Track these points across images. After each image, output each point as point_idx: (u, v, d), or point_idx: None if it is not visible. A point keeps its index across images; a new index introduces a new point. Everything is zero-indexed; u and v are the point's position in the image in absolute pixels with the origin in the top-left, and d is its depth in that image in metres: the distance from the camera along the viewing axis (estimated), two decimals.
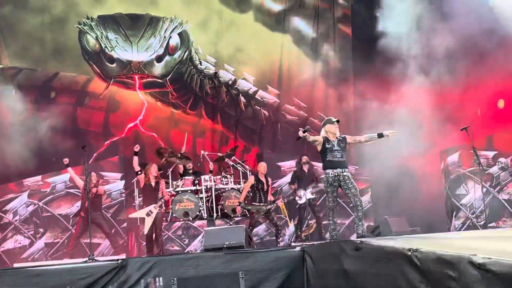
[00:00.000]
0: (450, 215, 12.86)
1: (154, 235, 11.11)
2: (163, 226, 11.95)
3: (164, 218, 11.73)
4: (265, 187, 11.78)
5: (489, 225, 11.85)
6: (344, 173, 9.17)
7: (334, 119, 9.45)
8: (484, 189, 11.76)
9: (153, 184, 11.25)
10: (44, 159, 13.18)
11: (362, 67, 14.80)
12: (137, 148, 11.55)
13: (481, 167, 11.00)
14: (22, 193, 12.98)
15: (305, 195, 12.68)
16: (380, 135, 9.35)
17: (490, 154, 12.69)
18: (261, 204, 11.52)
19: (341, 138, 9.34)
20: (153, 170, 11.33)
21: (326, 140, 9.29)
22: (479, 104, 13.18)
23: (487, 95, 13.00)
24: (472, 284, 5.19)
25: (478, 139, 12.09)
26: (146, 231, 11.07)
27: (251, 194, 11.82)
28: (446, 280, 5.56)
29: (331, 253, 7.73)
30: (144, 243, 11.63)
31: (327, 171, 9.19)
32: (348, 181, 9.11)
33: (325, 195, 12.70)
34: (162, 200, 11.18)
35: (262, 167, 12.00)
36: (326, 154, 9.25)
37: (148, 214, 11.02)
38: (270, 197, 11.86)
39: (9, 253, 12.67)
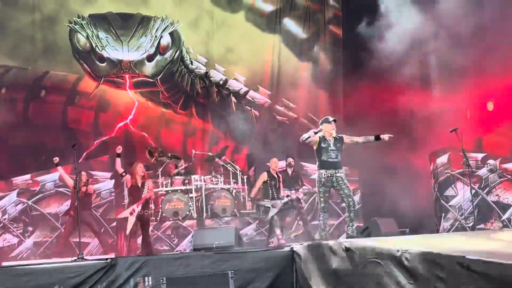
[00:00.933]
0: (439, 216, 12.91)
1: (141, 236, 11.01)
2: (152, 226, 11.94)
3: (154, 218, 11.67)
4: (278, 183, 11.86)
5: (477, 226, 11.90)
6: (338, 174, 9.22)
7: (331, 118, 9.50)
8: (473, 191, 11.82)
9: (139, 184, 11.04)
10: (34, 158, 13.14)
11: (353, 68, 14.85)
12: (119, 149, 11.26)
13: (470, 169, 11.05)
14: (11, 192, 12.92)
15: (288, 196, 12.69)
16: (377, 138, 9.43)
17: (479, 156, 12.76)
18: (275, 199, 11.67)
19: (337, 137, 9.38)
20: (139, 169, 11.12)
21: (323, 139, 9.34)
22: (468, 106, 13.22)
23: (477, 98, 13.06)
24: (460, 285, 5.24)
25: (467, 141, 12.14)
26: (128, 230, 10.91)
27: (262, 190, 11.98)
28: (434, 281, 5.61)
29: (320, 253, 7.75)
30: (135, 242, 11.61)
31: (321, 171, 9.24)
32: (341, 182, 9.16)
33: (313, 196, 12.81)
34: (144, 199, 10.88)
35: (274, 163, 12.05)
36: (321, 154, 9.31)
37: (131, 213, 10.87)
38: (284, 193, 11.91)
39: None
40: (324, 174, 9.20)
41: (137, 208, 10.86)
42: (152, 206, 11.74)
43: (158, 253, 11.39)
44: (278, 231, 11.78)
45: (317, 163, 9.41)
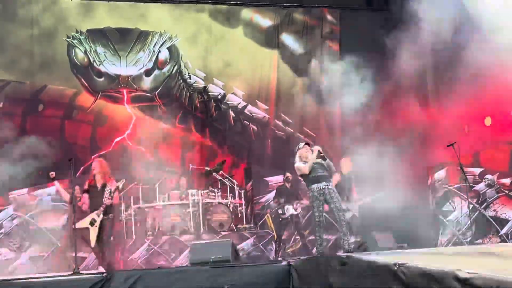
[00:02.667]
0: (436, 231, 12.89)
1: (101, 245, 10.13)
2: (148, 241, 11.90)
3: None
4: (351, 185, 12.01)
5: (475, 241, 11.88)
6: (330, 187, 9.33)
7: (301, 145, 9.91)
8: (471, 206, 11.80)
9: (99, 186, 10.19)
10: (31, 172, 13.12)
11: (349, 83, 14.85)
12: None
13: (467, 184, 11.05)
14: (8, 206, 12.90)
15: (287, 210, 12.71)
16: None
17: (477, 171, 12.75)
18: None
19: (319, 150, 9.55)
20: (98, 167, 10.30)
21: (305, 162, 9.56)
22: (466, 121, 13.23)
23: (474, 112, 13.06)
24: None
25: (465, 155, 12.15)
26: (92, 244, 10.03)
27: None
28: None
29: (317, 267, 7.73)
30: (130, 257, 11.56)
31: (312, 186, 9.34)
32: (333, 195, 9.27)
33: (311, 211, 12.81)
34: (103, 206, 9.99)
35: (347, 163, 12.21)
36: (307, 173, 9.51)
37: (91, 223, 10.01)
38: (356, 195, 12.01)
39: None
40: (317, 188, 9.32)
41: (97, 217, 10.05)
42: (122, 210, 11.19)
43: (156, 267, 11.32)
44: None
45: (306, 183, 9.61)
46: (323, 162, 9.64)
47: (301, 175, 9.73)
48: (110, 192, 10.06)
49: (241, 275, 8.14)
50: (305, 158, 9.62)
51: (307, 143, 9.92)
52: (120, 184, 10.32)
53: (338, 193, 11.11)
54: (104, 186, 10.19)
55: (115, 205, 10.49)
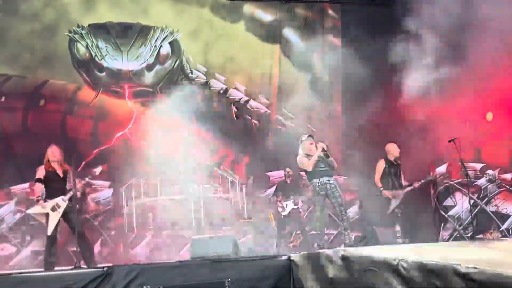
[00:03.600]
0: (437, 226, 12.88)
1: (77, 238, 9.61)
2: (150, 235, 11.91)
3: (87, 215, 10.88)
4: (398, 171, 11.59)
5: (476, 237, 11.87)
6: (331, 181, 9.34)
7: (304, 137, 9.88)
8: (472, 201, 11.79)
9: (59, 172, 9.82)
10: (33, 167, 13.12)
11: (352, 78, 14.84)
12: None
13: (468, 179, 11.04)
14: (10, 201, 12.92)
15: (287, 206, 12.70)
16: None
17: (478, 166, 12.74)
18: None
19: (323, 146, 9.53)
20: (52, 154, 9.92)
21: (307, 156, 9.43)
22: (467, 117, 13.21)
23: (476, 108, 13.05)
24: None
25: (466, 151, 12.15)
26: (49, 232, 9.57)
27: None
28: None
29: (318, 262, 7.73)
30: (132, 250, 11.57)
31: (313, 181, 9.36)
32: (334, 190, 9.31)
33: (312, 205, 12.77)
34: (71, 192, 9.58)
35: (393, 148, 11.70)
36: (314, 166, 9.39)
37: (53, 209, 9.61)
38: (404, 182, 11.57)
39: None
40: (318, 183, 9.34)
41: (63, 202, 9.64)
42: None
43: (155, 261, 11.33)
44: (397, 227, 11.42)
45: (308, 177, 9.60)
46: (324, 156, 9.66)
47: (303, 170, 9.72)
48: (74, 180, 9.66)
49: (242, 270, 8.15)
50: (308, 151, 9.60)
51: (310, 135, 9.85)
52: (98, 171, 10.20)
53: (385, 180, 11.12)
54: (66, 172, 9.82)
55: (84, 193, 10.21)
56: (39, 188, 9.85)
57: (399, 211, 11.43)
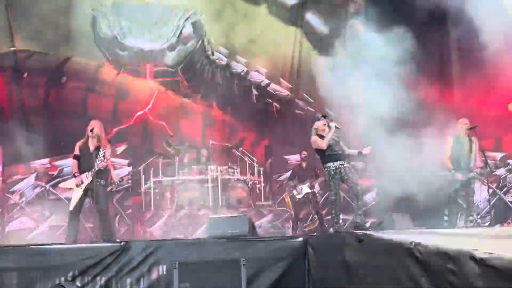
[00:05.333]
0: (455, 215, 12.80)
1: (96, 213, 9.74)
2: (167, 215, 11.98)
3: (110, 188, 10.51)
4: (467, 150, 10.68)
5: (494, 226, 11.80)
6: (345, 165, 9.29)
7: (319, 116, 9.86)
8: (491, 190, 11.72)
9: (91, 147, 9.59)
10: (53, 143, 13.24)
11: (371, 63, 14.76)
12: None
13: (488, 168, 10.93)
14: (30, 175, 13.04)
15: (302, 189, 12.69)
16: (359, 153, 9.71)
17: (498, 155, 12.66)
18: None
19: (337, 127, 9.46)
20: (96, 128, 9.62)
21: (321, 137, 9.44)
22: (489, 106, 13.13)
23: (498, 97, 12.96)
24: (472, 279, 5.19)
25: (487, 140, 12.07)
26: (71, 206, 9.52)
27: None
28: (446, 274, 5.55)
29: (333, 244, 7.74)
30: (149, 229, 11.64)
31: (328, 164, 9.32)
32: (349, 171, 9.27)
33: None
34: (100, 168, 9.42)
35: (464, 124, 10.86)
36: (324, 150, 9.39)
37: (77, 185, 9.51)
38: (478, 162, 10.71)
39: (14, 234, 12.72)
40: (333, 167, 9.29)
41: (86, 179, 9.49)
42: (113, 176, 10.23)
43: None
44: (447, 211, 11.09)
45: (322, 159, 9.50)
46: (339, 140, 9.58)
47: (317, 151, 9.60)
48: (104, 155, 9.54)
49: (257, 250, 8.17)
50: (321, 131, 9.53)
51: (323, 116, 9.77)
52: (120, 150, 10.17)
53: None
54: (97, 149, 9.61)
55: (108, 170, 9.93)
56: (75, 164, 9.72)
57: (454, 195, 10.90)
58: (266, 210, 12.79)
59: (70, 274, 7.73)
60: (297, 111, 15.56)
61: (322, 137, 9.47)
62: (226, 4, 15.27)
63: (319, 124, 9.66)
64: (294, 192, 12.85)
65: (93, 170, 9.39)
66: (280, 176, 14.20)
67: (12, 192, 12.92)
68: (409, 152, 12.26)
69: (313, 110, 15.50)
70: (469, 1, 12.63)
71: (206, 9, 15.08)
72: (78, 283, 7.68)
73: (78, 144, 9.73)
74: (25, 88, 13.81)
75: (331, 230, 10.34)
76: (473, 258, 5.16)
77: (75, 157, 9.64)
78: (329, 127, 9.55)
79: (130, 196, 13.35)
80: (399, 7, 14.22)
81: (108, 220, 9.85)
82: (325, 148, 9.35)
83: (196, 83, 15.14)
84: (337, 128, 9.56)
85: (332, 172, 9.29)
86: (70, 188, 9.75)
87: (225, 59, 15.28)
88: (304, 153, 13.01)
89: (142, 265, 7.91)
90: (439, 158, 11.42)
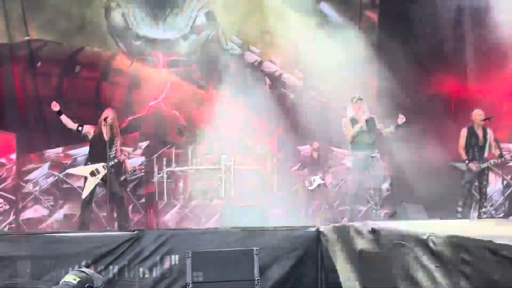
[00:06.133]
0: (468, 206, 12.74)
1: (110, 202, 9.74)
2: (179, 203, 12.00)
3: (124, 178, 10.60)
4: (483, 141, 10.56)
5: (508, 218, 11.74)
6: (373, 156, 8.96)
7: (355, 98, 9.29)
8: (505, 182, 11.64)
9: (106, 137, 9.58)
10: (66, 132, 13.25)
11: (388, 54, 14.69)
12: (55, 106, 9.90)
13: (502, 159, 10.84)
14: (43, 164, 13.09)
15: (314, 181, 12.66)
16: (397, 127, 9.31)
17: None
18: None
19: (368, 118, 9.09)
20: (110, 117, 9.71)
21: (353, 121, 9.11)
22: (504, 97, 13.05)
23: None
24: (487, 269, 5.18)
25: (502, 131, 11.99)
26: (84, 195, 9.60)
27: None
28: (461, 265, 5.54)
29: (346, 234, 7.72)
30: (161, 218, 11.65)
31: (355, 153, 9.06)
32: (376, 164, 8.93)
33: (342, 180, 12.66)
34: (115, 160, 9.67)
35: (478, 115, 10.62)
36: (353, 137, 9.11)
37: (93, 174, 9.55)
38: (491, 154, 10.59)
39: (28, 223, 12.80)
40: (360, 156, 8.94)
41: (103, 169, 9.55)
42: (127, 166, 10.46)
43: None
44: (460, 202, 10.83)
45: (350, 145, 9.16)
46: (374, 127, 9.15)
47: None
48: (115, 148, 9.68)
49: (270, 239, 8.18)
50: (355, 113, 9.23)
51: (360, 98, 9.35)
52: (143, 146, 10.18)
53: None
54: (112, 138, 9.71)
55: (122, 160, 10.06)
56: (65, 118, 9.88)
57: (468, 186, 10.76)
58: (279, 200, 12.75)
59: (84, 262, 7.76)
60: (311, 101, 15.50)
61: (355, 122, 9.08)
62: None
63: (355, 107, 9.36)
64: (306, 183, 12.82)
65: (108, 160, 9.42)
66: (293, 166, 14.16)
67: (26, 181, 12.97)
68: (424, 142, 12.25)
69: (326, 100, 15.44)
70: None
71: None
72: None
73: (88, 127, 9.83)
74: (39, 78, 13.85)
75: (344, 220, 10.30)
76: (487, 248, 5.14)
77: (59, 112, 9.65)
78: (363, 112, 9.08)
79: (143, 185, 13.35)
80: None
81: (124, 208, 9.96)
82: (349, 139, 9.20)
83: (209, 73, 15.11)
84: (371, 118, 9.19)
85: (358, 162, 8.95)
86: (82, 175, 9.72)
87: (239, 49, 15.23)
88: (316, 143, 12.98)
89: (155, 254, 7.93)
90: (453, 149, 11.36)
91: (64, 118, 9.83)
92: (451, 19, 14.10)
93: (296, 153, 14.42)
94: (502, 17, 12.30)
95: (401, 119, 9.12)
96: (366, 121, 9.14)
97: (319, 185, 12.75)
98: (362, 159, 9.06)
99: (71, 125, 9.88)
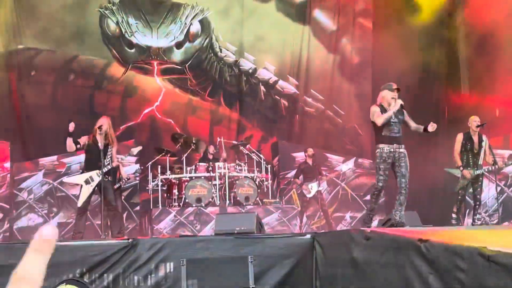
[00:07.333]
0: (463, 212, 12.78)
1: (104, 210, 9.62)
2: (174, 211, 11.99)
3: (117, 186, 10.45)
4: (478, 147, 10.40)
5: (502, 224, 11.78)
6: (401, 150, 8.35)
7: (394, 86, 8.43)
8: (499, 188, 11.66)
9: (100, 145, 9.49)
10: (61, 140, 13.24)
11: (382, 61, 14.74)
12: (72, 126, 9.55)
13: (496, 166, 10.86)
14: (38, 172, 13.06)
15: (312, 188, 12.66)
16: (425, 129, 8.45)
17: (506, 153, 12.60)
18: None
19: (398, 109, 8.30)
20: (105, 125, 9.61)
21: (382, 109, 8.33)
22: (498, 104, 13.10)
23: (507, 96, 12.93)
24: (481, 276, 5.18)
25: (495, 137, 12.03)
26: (80, 203, 9.50)
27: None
28: (455, 271, 5.54)
29: (341, 241, 7.72)
30: (156, 226, 11.64)
31: (381, 145, 8.32)
32: (402, 160, 8.34)
33: (336, 188, 12.63)
34: (109, 167, 9.56)
35: (474, 121, 10.47)
36: (381, 128, 8.31)
37: (87, 182, 9.44)
38: (486, 160, 10.42)
39: (22, 231, 12.74)
40: (387, 149, 8.24)
41: (97, 177, 9.47)
42: (122, 173, 10.46)
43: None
44: (455, 209, 10.62)
45: (376, 138, 8.44)
46: (403, 118, 8.37)
47: (374, 126, 8.44)
48: (110, 157, 9.60)
49: (264, 246, 8.15)
50: (387, 103, 8.31)
51: (398, 89, 8.35)
52: (135, 151, 10.17)
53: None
54: (106, 146, 9.59)
55: (116, 167, 10.07)
56: (70, 142, 9.65)
57: (462, 192, 10.58)
58: (274, 207, 12.76)
59: (78, 270, 7.74)
60: (306, 108, 15.56)
61: (384, 110, 8.33)
62: (234, 1, 15.30)
63: (387, 94, 8.41)
64: (304, 191, 12.82)
65: (102, 168, 9.38)
66: (288, 173, 14.18)
67: (20, 189, 12.94)
68: (418, 148, 12.27)
69: (322, 107, 15.49)
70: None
71: (214, 6, 15.12)
72: (86, 280, 7.68)
73: (84, 137, 9.75)
74: (33, 86, 13.84)
75: (338, 227, 10.29)
76: (481, 255, 5.14)
77: (70, 135, 9.53)
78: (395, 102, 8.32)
79: (137, 193, 13.34)
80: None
81: (118, 217, 9.92)
82: (379, 125, 8.26)
83: (204, 80, 15.17)
84: (402, 108, 8.34)
85: (385, 155, 8.25)
86: (77, 184, 9.75)
87: (233, 56, 15.29)
88: (310, 150, 12.99)
89: (149, 262, 7.90)
90: (448, 155, 11.37)
91: (69, 141, 9.63)
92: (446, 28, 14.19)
93: (291, 160, 14.44)
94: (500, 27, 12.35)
95: (432, 126, 8.34)
96: (401, 105, 8.26)
97: (316, 192, 12.78)
98: (390, 152, 8.23)
99: (71, 148, 9.72)
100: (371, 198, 8.67)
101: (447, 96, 14.33)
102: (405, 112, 8.45)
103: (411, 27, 14.23)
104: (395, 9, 14.78)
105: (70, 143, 9.59)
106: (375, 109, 8.37)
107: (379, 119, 8.22)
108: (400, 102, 8.30)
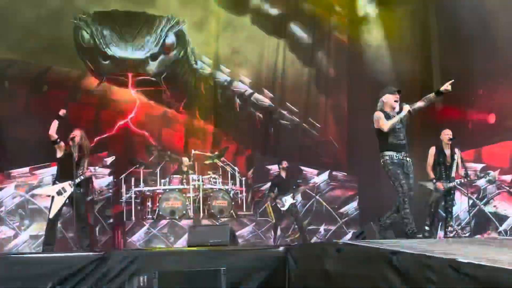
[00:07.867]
0: (436, 225, 12.85)
1: (76, 223, 9.50)
2: (148, 224, 11.93)
3: (91, 198, 10.64)
4: (450, 160, 10.50)
5: (474, 237, 11.85)
6: (408, 158, 8.06)
7: (394, 88, 8.19)
8: (471, 201, 11.76)
9: (75, 155, 9.49)
10: (33, 151, 13.11)
11: (358, 75, 14.85)
12: (62, 112, 9.82)
13: (468, 179, 10.96)
14: (9, 184, 12.92)
15: (286, 201, 12.66)
16: (437, 93, 8.06)
17: (478, 166, 12.72)
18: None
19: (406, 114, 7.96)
20: (77, 137, 9.64)
21: (386, 115, 7.99)
22: (470, 118, 13.23)
23: (479, 109, 13.07)
24: (451, 287, 5.20)
25: (467, 151, 12.15)
26: (51, 215, 9.45)
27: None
28: (425, 283, 5.56)
29: (313, 254, 7.72)
30: (130, 239, 11.56)
31: (390, 153, 7.98)
32: (410, 170, 8.06)
33: (311, 200, 12.63)
34: (82, 178, 9.55)
35: (446, 135, 10.54)
36: (386, 134, 7.95)
37: (59, 193, 9.44)
38: (458, 173, 10.55)
39: None
40: (396, 157, 7.91)
41: (69, 188, 9.47)
42: (94, 186, 10.59)
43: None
44: (428, 221, 10.66)
45: (381, 145, 8.05)
46: (405, 126, 8.06)
47: (378, 133, 8.07)
48: (85, 165, 9.67)
49: (238, 259, 8.11)
50: (390, 108, 8.01)
51: (399, 91, 8.06)
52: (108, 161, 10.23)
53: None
54: (80, 159, 9.63)
55: (89, 179, 10.14)
56: (55, 125, 9.73)
57: (435, 205, 10.68)
58: (248, 220, 12.76)
59: (50, 284, 7.64)
60: (281, 121, 15.59)
61: (388, 116, 8.03)
62: (209, 14, 15.31)
63: (389, 98, 8.08)
64: (279, 205, 12.80)
65: (74, 179, 9.35)
66: (262, 186, 14.19)
67: None
68: None
69: (297, 119, 15.52)
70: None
71: (190, 18, 15.09)
72: None
73: (61, 145, 9.71)
74: (6, 97, 13.70)
75: (313, 240, 10.30)
76: (451, 267, 5.17)
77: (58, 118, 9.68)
78: (400, 106, 8.01)
79: (111, 205, 13.25)
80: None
81: (87, 229, 9.85)
82: (385, 131, 7.90)
83: (179, 92, 15.14)
84: (410, 113, 7.99)
85: (396, 160, 7.90)
86: (49, 196, 9.67)
87: (209, 69, 15.29)
88: (285, 163, 12.98)
89: (122, 274, 7.81)
90: (421, 168, 11.47)
91: (54, 124, 9.69)
92: (420, 41, 14.30)
93: (265, 172, 14.45)
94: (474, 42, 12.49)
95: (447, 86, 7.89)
96: (409, 111, 7.90)
97: (290, 205, 12.76)
98: (400, 159, 7.92)
99: (52, 131, 9.67)
100: (402, 205, 8.19)
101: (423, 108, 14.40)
102: (404, 107, 8.06)
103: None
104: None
105: (54, 126, 9.63)
106: (379, 115, 8.03)
107: (386, 125, 7.91)
108: (407, 107, 7.99)
